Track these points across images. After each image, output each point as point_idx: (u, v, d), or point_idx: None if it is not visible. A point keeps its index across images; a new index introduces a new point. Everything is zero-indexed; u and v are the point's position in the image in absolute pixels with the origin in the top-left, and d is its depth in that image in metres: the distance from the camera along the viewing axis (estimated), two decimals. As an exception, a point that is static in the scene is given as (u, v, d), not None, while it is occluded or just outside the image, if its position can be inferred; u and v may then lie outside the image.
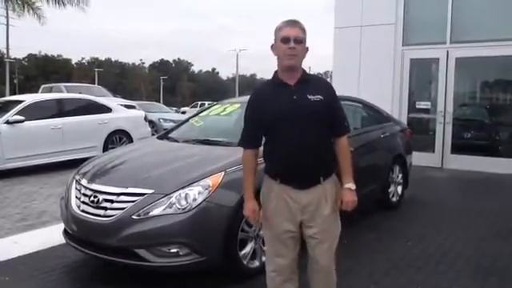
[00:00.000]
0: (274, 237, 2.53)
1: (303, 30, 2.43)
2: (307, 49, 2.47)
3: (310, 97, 2.41)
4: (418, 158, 7.19)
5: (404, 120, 8.66)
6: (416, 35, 9.29)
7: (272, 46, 2.49)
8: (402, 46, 9.32)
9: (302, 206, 2.46)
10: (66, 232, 3.76)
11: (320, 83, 2.54)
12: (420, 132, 9.13)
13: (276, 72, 2.51)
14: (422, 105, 9.42)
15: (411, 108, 9.41)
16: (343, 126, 2.56)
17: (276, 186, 2.49)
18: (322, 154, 2.46)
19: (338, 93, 2.63)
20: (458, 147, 8.91)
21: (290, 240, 2.51)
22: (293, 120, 2.39)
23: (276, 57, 2.47)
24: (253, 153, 2.54)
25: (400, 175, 5.91)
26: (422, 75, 9.83)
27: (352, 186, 2.52)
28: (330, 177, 2.51)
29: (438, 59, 8.98)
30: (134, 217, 3.22)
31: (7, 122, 7.91)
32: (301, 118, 2.39)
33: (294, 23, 2.42)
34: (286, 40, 2.38)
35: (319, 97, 2.42)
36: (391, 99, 9.24)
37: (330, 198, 2.49)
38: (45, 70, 61.35)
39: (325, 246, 2.52)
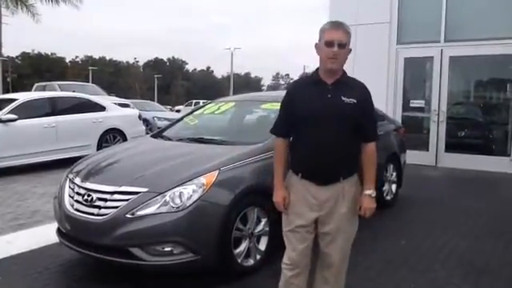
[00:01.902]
0: (291, 231, 2.57)
1: (348, 33, 2.44)
2: (350, 50, 2.49)
3: (344, 98, 2.44)
4: (412, 157, 7.22)
5: (398, 118, 8.70)
6: (410, 34, 9.32)
7: (316, 45, 2.51)
8: (397, 44, 9.36)
9: (320, 201, 2.50)
10: (59, 231, 3.74)
11: (357, 87, 2.55)
12: (414, 130, 9.14)
13: (317, 69, 2.54)
14: (416, 103, 9.45)
15: (405, 106, 9.44)
16: (372, 133, 2.58)
17: (297, 181, 2.53)
18: (346, 155, 2.49)
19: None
20: (452, 145, 8.96)
21: (306, 235, 2.55)
22: (323, 118, 2.43)
23: (318, 57, 2.49)
24: (284, 142, 2.60)
25: (394, 174, 5.93)
26: (416, 74, 9.85)
27: (373, 192, 2.55)
28: (349, 177, 2.54)
29: (432, 58, 9.02)
30: (127, 215, 3.20)
31: (0, 121, 7.86)
32: (331, 117, 2.42)
33: (338, 26, 2.44)
34: (329, 44, 2.41)
35: (353, 100, 2.45)
36: (385, 98, 9.27)
37: (347, 197, 2.53)
38: (38, 68, 60.81)
39: (338, 244, 2.58)
